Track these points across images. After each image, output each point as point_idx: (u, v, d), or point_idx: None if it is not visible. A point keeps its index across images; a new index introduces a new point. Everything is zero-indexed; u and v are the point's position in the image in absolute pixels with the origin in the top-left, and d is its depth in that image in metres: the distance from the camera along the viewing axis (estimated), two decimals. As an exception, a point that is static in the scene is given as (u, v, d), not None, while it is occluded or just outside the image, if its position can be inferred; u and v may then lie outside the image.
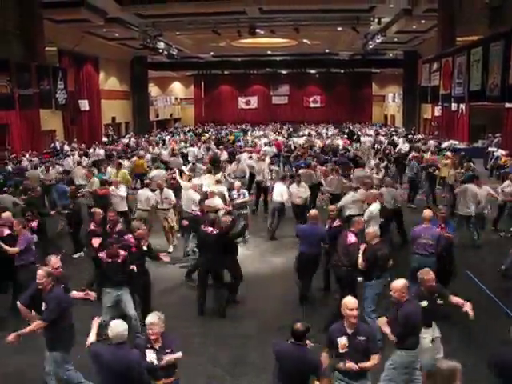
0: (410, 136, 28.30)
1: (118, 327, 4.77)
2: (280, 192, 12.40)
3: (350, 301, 4.90)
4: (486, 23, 14.34)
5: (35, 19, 18.03)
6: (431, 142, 24.73)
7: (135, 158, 18.56)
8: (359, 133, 31.47)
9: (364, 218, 9.40)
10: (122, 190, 12.26)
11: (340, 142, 24.41)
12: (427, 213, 8.54)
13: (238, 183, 12.45)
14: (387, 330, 5.41)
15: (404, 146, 21.81)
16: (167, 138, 30.98)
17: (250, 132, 34.57)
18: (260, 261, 11.03)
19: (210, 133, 34.22)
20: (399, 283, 5.42)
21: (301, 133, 32.81)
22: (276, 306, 8.65)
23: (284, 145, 24.15)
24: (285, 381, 4.82)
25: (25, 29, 17.79)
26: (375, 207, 9.94)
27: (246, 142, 26.73)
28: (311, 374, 4.80)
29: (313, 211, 9.21)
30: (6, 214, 8.79)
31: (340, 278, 7.77)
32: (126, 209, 12.35)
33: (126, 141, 28.41)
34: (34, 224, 9.50)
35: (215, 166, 17.00)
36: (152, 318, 5.02)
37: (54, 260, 6.31)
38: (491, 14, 14.87)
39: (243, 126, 40.13)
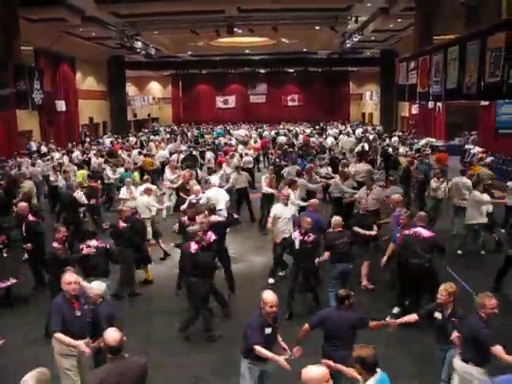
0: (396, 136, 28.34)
1: (99, 287, 5.86)
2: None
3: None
4: (462, 22, 14.53)
5: (11, 18, 17.76)
6: (395, 139, 25.17)
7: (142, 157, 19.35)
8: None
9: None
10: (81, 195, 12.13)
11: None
12: (397, 197, 9.65)
13: (197, 187, 11.89)
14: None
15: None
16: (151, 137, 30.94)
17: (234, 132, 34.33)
18: (240, 261, 11.06)
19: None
20: (270, 296, 5.29)
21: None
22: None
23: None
24: (332, 341, 5.41)
25: (0, 28, 17.53)
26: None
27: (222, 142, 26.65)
28: (359, 328, 5.47)
29: (313, 200, 9.98)
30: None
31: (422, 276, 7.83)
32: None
33: (107, 141, 28.14)
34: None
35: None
36: None
37: (66, 276, 5.60)
38: (467, 13, 15.07)
39: (222, 126, 40.15)
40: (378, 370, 4.17)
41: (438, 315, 5.67)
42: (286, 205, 10.04)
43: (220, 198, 11.57)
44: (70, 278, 5.51)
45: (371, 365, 4.13)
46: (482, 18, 13.50)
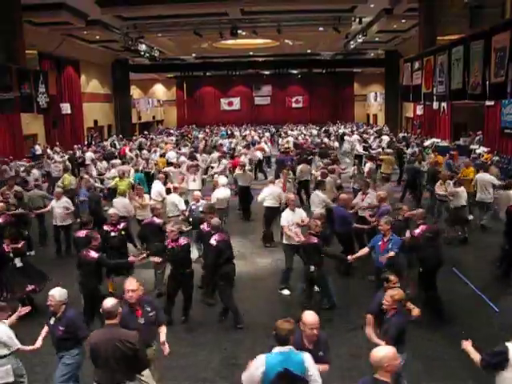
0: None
1: (61, 294, 5.59)
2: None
3: None
4: (466, 22, 14.51)
5: (15, 22, 17.82)
6: (385, 137, 25.19)
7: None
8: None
9: None
10: (63, 202, 11.76)
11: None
12: (382, 192, 10.08)
13: (197, 193, 11.61)
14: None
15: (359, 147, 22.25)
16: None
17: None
18: (246, 262, 11.02)
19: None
20: (311, 317, 4.80)
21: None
22: (264, 308, 8.64)
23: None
24: None
25: (4, 32, 17.60)
26: None
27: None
28: None
29: (342, 195, 10.38)
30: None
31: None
32: (70, 222, 11.85)
33: (107, 143, 28.26)
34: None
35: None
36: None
37: (128, 282, 5.57)
38: (471, 13, 15.05)
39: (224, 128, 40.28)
40: (290, 347, 4.35)
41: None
42: (293, 210, 9.50)
43: (225, 197, 12.20)
44: (127, 287, 5.49)
45: (279, 338, 4.39)
46: (486, 18, 13.48)
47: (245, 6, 21.51)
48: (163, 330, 5.73)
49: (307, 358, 4.35)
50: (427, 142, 24.50)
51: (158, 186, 12.74)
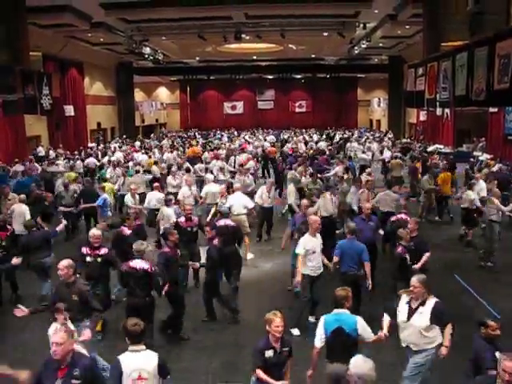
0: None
1: None
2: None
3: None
4: (470, 29, 14.49)
5: (19, 24, 17.86)
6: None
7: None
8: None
9: None
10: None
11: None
12: (304, 202, 10.06)
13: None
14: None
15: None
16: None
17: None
18: (248, 266, 10.99)
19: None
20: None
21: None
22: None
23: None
24: None
25: (9, 33, 17.64)
26: None
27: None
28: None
29: (367, 206, 10.17)
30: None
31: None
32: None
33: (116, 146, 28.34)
34: None
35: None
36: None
37: (54, 332, 4.39)
38: (474, 19, 15.02)
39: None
40: (345, 310, 5.27)
41: (269, 353, 5.03)
42: (315, 235, 7.99)
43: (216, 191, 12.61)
44: (51, 337, 4.47)
45: (335, 302, 5.36)
46: (486, 25, 13.46)
47: (249, 11, 21.56)
48: None
49: (360, 321, 5.21)
50: (430, 148, 24.48)
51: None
